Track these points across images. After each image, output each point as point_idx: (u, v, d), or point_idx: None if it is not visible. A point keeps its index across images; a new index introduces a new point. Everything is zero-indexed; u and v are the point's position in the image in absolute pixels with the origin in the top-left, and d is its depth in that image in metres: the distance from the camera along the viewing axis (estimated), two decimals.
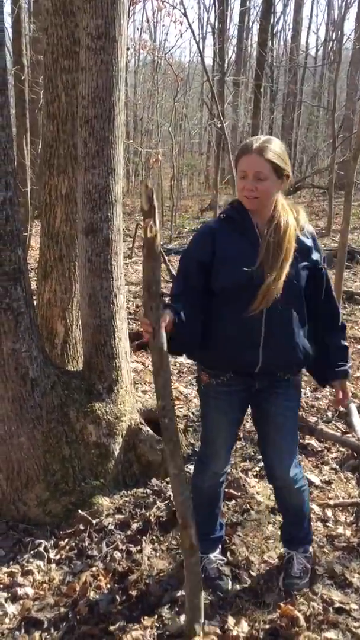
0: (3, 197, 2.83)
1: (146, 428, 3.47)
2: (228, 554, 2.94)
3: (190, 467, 3.56)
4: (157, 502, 3.28)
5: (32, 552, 2.99)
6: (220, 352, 2.47)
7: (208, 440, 2.74)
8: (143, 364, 6.07)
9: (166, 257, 8.81)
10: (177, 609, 2.65)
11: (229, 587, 2.76)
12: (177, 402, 4.76)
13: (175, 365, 5.91)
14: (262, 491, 3.47)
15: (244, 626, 2.55)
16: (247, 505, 3.34)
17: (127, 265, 11.08)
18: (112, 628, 2.54)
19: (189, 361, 6.04)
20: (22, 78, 8.65)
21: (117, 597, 2.73)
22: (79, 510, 3.13)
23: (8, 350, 2.94)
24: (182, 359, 6.18)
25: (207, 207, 20.93)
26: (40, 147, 3.89)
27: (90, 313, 3.28)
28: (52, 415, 3.14)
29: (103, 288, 3.24)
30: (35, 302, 3.78)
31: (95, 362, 3.32)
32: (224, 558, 2.88)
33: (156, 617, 2.63)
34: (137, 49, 22.76)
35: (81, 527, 3.12)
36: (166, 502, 3.27)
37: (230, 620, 2.56)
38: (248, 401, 2.63)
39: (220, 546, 2.92)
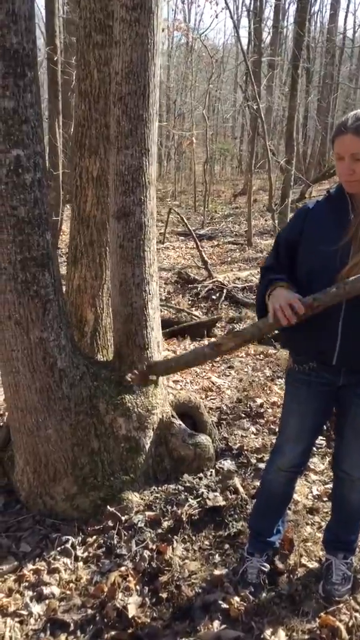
0: (31, 179, 2.68)
1: (178, 422, 3.33)
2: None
3: (224, 463, 3.42)
4: (189, 499, 3.14)
5: (58, 548, 2.88)
6: (298, 336, 2.35)
7: (279, 431, 2.63)
8: (174, 352, 5.92)
9: (199, 243, 8.63)
10: (210, 615, 2.52)
11: (266, 594, 2.61)
12: (209, 393, 4.61)
13: None
14: (300, 489, 3.30)
15: (282, 636, 2.41)
16: None
17: (159, 251, 10.93)
18: (140, 633, 2.42)
19: None
20: (55, 59, 8.50)
21: (147, 599, 2.61)
22: (108, 506, 3.01)
23: (36, 339, 2.82)
24: None
25: (240, 192, 20.65)
26: (72, 128, 3.72)
27: (121, 301, 3.13)
28: (81, 407, 3.01)
29: (135, 275, 3.09)
30: (64, 289, 3.67)
31: (126, 352, 3.18)
32: (267, 566, 2.71)
33: (188, 622, 2.50)
34: (171, 30, 22.43)
35: (110, 523, 3.00)
36: (198, 499, 3.13)
37: (267, 630, 2.42)
38: (330, 399, 2.44)
39: (268, 554, 2.76)
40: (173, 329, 6.52)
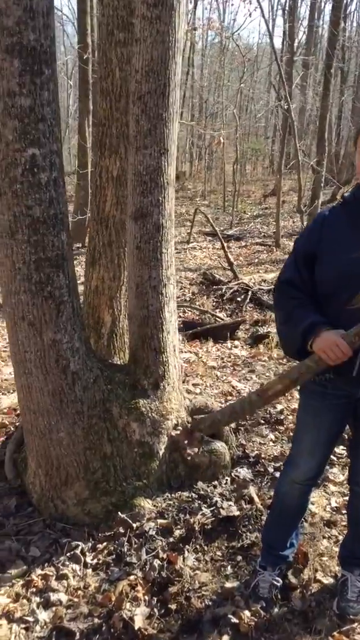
0: (47, 178, 2.64)
1: None
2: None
3: (240, 471, 3.35)
4: (203, 507, 3.07)
5: (68, 554, 2.84)
6: None
7: (293, 442, 2.56)
8: (196, 354, 5.86)
9: (225, 244, 8.54)
10: (219, 629, 2.45)
11: (277, 610, 2.53)
12: (228, 397, 4.53)
13: (230, 358, 5.67)
14: (318, 500, 3.21)
15: None
16: None
17: (185, 251, 10.89)
18: None
19: (244, 353, 5.79)
20: (85, 57, 8.48)
21: (155, 610, 2.54)
22: (119, 513, 2.95)
23: (49, 340, 2.78)
24: (238, 351, 5.94)
25: (271, 193, 20.47)
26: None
27: (137, 304, 3.08)
28: (94, 411, 2.97)
29: (151, 277, 3.03)
30: (82, 289, 3.63)
31: (141, 355, 3.12)
32: (280, 580, 2.63)
33: (196, 635, 2.43)
34: (204, 29, 22.33)
35: (121, 530, 2.94)
36: (212, 508, 3.06)
37: None
38: (346, 411, 2.34)
39: (281, 568, 2.67)
40: (196, 331, 6.46)
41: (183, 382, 4.84)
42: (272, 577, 2.61)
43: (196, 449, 3.10)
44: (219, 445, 3.27)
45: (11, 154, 2.58)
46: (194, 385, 4.76)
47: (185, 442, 3.05)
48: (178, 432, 3.07)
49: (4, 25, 2.44)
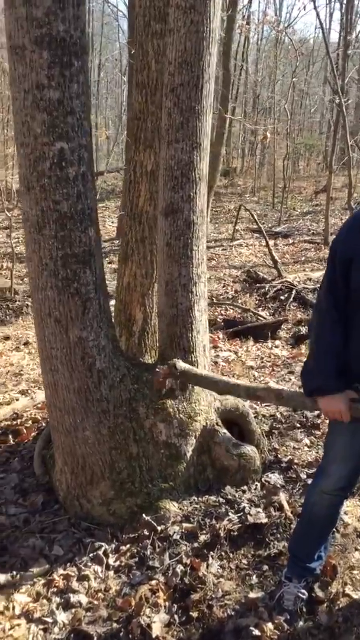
0: (75, 173, 2.60)
1: (223, 430, 3.17)
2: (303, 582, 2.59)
3: (271, 476, 3.24)
4: (230, 513, 2.97)
5: (91, 554, 2.79)
6: (349, 362, 2.16)
7: (324, 448, 2.48)
8: (235, 353, 5.76)
9: (269, 241, 8.38)
10: None
11: (302, 624, 2.43)
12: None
13: (269, 358, 5.54)
14: (351, 510, 3.08)
15: None
16: None
17: (230, 248, 10.76)
18: None
19: (285, 353, 5.66)
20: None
21: (175, 617, 2.47)
22: (144, 515, 2.89)
23: (75, 338, 2.74)
24: (279, 351, 5.81)
25: (322, 189, 20.07)
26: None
27: (167, 302, 3.01)
28: (120, 410, 2.91)
29: (181, 275, 2.95)
30: (115, 286, 3.58)
31: (170, 355, 3.05)
32: (305, 593, 2.52)
33: None
34: (258, 24, 22.07)
35: (145, 532, 2.88)
36: (239, 514, 2.96)
37: None
38: None
39: (307, 580, 2.56)
40: (236, 329, 6.35)
41: None
42: (298, 589, 2.50)
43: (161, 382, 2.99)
44: (249, 449, 3.17)
45: (39, 148, 2.54)
46: None
47: (158, 384, 2.99)
48: (159, 372, 2.95)
49: (33, 16, 2.40)
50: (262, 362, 5.41)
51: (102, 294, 2.81)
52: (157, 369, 2.92)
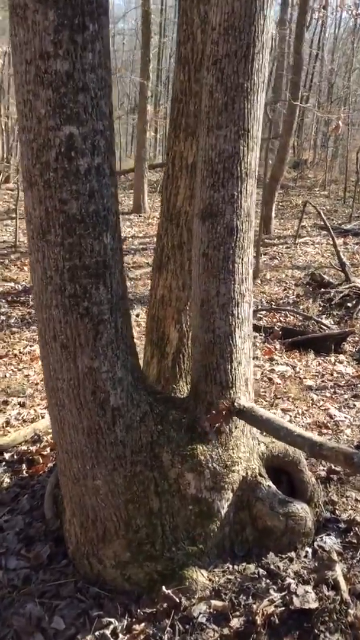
0: (88, 165, 2.08)
1: (267, 482, 2.59)
2: None
3: (326, 540, 2.65)
4: (271, 590, 2.39)
5: (97, 633, 2.28)
6: None
7: None
8: (293, 367, 5.14)
9: (337, 241, 7.67)
10: None
11: None
12: (323, 430, 3.80)
13: (331, 376, 4.89)
14: None
15: None
16: None
17: (295, 246, 10.05)
18: None
19: (350, 371, 5.00)
20: None
21: None
22: (163, 588, 2.35)
23: (84, 368, 2.23)
24: (343, 367, 5.15)
25: None
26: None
27: (202, 325, 2.45)
28: (139, 457, 2.38)
29: (220, 293, 2.38)
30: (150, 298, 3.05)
31: (203, 390, 2.49)
32: None
33: None
34: (336, 8, 20.99)
35: (165, 606, 2.34)
36: (283, 593, 2.38)
37: None
38: None
39: None
40: (296, 340, 5.73)
41: (271, 405, 4.16)
42: None
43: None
44: (299, 508, 2.58)
45: (43, 133, 2.04)
46: (284, 410, 4.07)
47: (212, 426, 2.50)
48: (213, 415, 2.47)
49: None
50: (322, 381, 4.78)
51: (120, 315, 2.28)
52: (213, 407, 2.42)
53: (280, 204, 14.89)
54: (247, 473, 2.57)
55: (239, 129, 2.27)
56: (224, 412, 2.47)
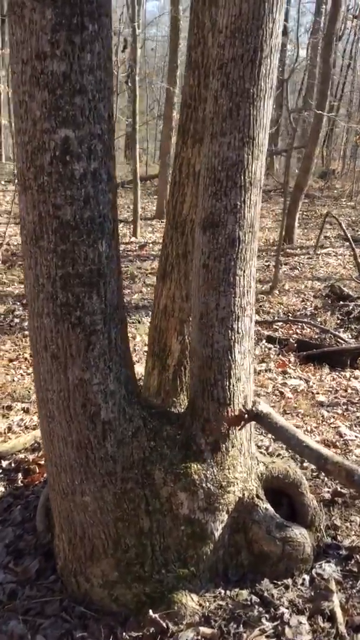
0: (83, 170, 2.00)
1: (264, 505, 2.48)
2: None
3: (325, 567, 2.54)
4: (263, 619, 2.28)
5: None
6: None
7: None
8: (307, 381, 5.01)
9: (357, 251, 7.52)
10: None
11: None
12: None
13: (346, 392, 4.76)
14: None
15: None
16: None
17: (317, 257, 9.91)
18: None
19: None
20: None
21: None
22: (150, 612, 2.25)
23: (75, 379, 2.15)
24: (358, 384, 5.01)
25: None
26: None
27: (200, 338, 2.35)
28: (130, 473, 2.29)
29: (219, 306, 2.29)
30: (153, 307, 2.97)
31: (200, 406, 2.39)
32: None
33: None
34: None
35: (151, 631, 2.25)
36: (276, 622, 2.26)
37: None
38: None
39: None
40: (311, 353, 5.59)
41: None
42: None
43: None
44: (297, 533, 2.47)
45: (38, 136, 1.98)
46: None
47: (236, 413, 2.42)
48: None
49: None
50: (335, 397, 4.64)
51: (114, 325, 2.20)
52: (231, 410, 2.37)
53: (305, 213, 14.73)
54: (243, 494, 2.46)
55: (243, 137, 2.17)
56: (244, 415, 2.39)
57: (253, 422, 2.47)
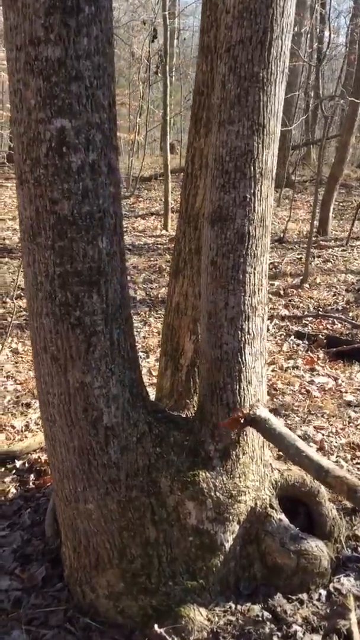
0: (81, 162, 1.89)
1: (278, 515, 2.34)
2: None
3: (344, 581, 2.40)
4: (275, 636, 2.16)
5: None
6: None
7: None
8: (336, 379, 4.83)
9: None
10: None
11: None
12: (357, 453, 3.50)
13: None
14: None
15: None
16: None
17: (352, 249, 9.63)
18: None
19: None
20: None
21: None
22: (156, 626, 2.15)
23: (75, 382, 2.04)
24: None
25: None
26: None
27: (209, 339, 2.23)
28: (135, 481, 2.19)
29: (228, 306, 2.16)
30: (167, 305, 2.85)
31: (209, 410, 2.27)
32: None
33: None
34: None
35: None
36: None
37: None
38: None
39: None
40: (341, 349, 5.40)
41: (304, 421, 3.89)
42: None
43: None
44: (313, 546, 2.33)
45: (34, 126, 1.87)
46: (317, 428, 3.79)
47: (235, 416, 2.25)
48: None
49: None
50: None
51: (117, 326, 2.08)
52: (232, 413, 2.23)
53: (341, 204, 14.38)
54: (256, 504, 2.33)
55: (253, 124, 2.03)
56: (239, 420, 2.25)
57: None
